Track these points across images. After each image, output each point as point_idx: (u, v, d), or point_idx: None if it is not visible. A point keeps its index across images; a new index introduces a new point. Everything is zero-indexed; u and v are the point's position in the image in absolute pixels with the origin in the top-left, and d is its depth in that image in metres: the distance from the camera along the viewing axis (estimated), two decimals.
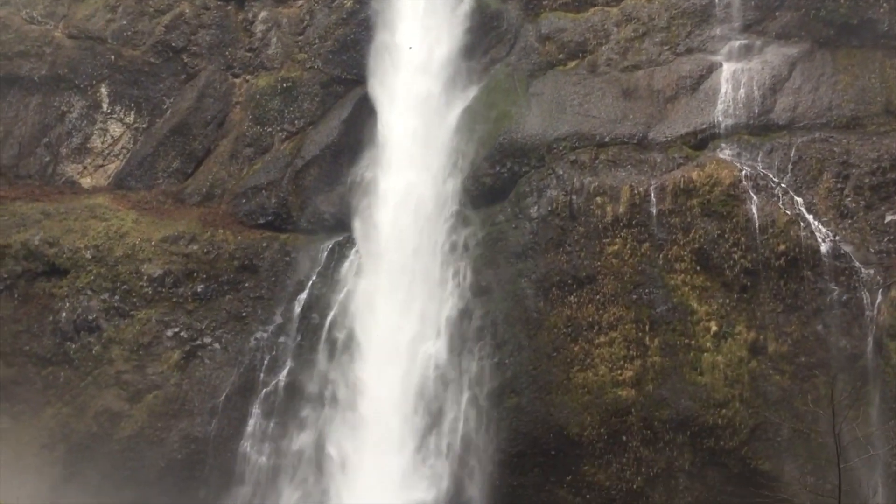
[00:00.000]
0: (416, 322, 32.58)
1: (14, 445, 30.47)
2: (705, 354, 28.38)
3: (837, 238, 27.41)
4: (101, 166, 39.18)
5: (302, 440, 32.02)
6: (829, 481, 19.23)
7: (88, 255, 35.28)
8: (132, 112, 39.61)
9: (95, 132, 39.32)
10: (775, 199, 28.70)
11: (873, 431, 22.60)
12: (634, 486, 28.46)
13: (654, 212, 30.22)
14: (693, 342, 28.52)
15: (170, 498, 31.69)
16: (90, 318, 34.27)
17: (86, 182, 38.73)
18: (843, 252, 26.90)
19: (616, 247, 30.46)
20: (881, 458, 22.06)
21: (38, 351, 33.78)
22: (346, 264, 34.75)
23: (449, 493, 30.27)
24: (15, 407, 32.69)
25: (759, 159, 29.99)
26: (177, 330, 34.26)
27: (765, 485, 25.12)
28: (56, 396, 33.21)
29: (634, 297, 29.86)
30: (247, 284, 35.12)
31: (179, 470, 32.26)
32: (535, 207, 32.38)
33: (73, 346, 34.03)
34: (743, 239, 28.47)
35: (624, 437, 28.87)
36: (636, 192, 30.65)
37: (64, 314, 34.21)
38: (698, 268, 29.26)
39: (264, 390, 33.25)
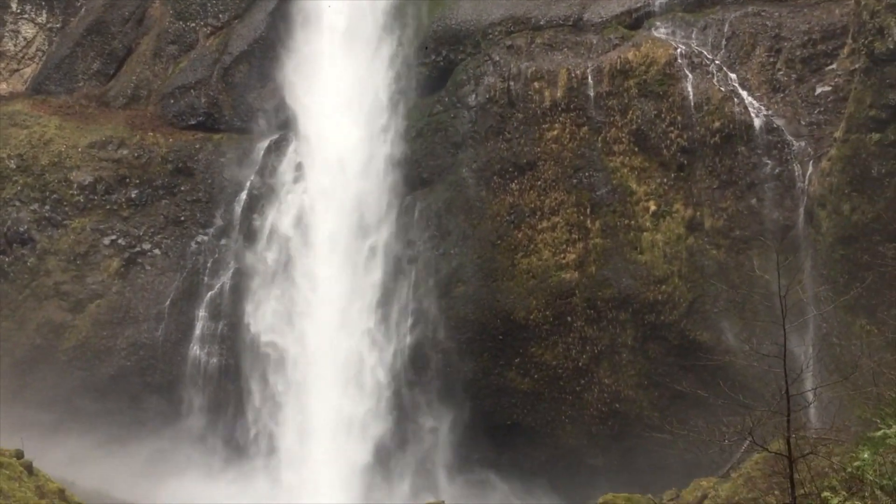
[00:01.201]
0: (360, 216, 32.43)
1: None
2: (645, 234, 28.97)
3: (770, 112, 27.81)
4: (17, 70, 37.21)
5: (251, 334, 32.10)
6: (764, 345, 20.05)
7: (13, 165, 33.91)
8: (44, 11, 37.45)
9: (6, 34, 37.16)
10: (710, 76, 28.85)
11: (806, 295, 23.59)
12: (580, 364, 29.46)
13: (592, 94, 30.17)
14: (633, 222, 29.06)
15: (124, 405, 31.73)
16: (21, 229, 33.24)
17: (2, 88, 36.82)
18: (775, 126, 27.33)
19: (555, 132, 30.48)
20: (812, 321, 23.10)
21: None
22: (285, 162, 34.14)
23: (399, 380, 30.91)
24: None
25: (693, 36, 29.97)
26: (114, 237, 33.55)
27: (703, 355, 26.19)
28: None
29: (575, 181, 30.13)
30: (183, 188, 34.35)
31: (130, 377, 32.21)
32: (473, 96, 32.04)
33: (7, 259, 33.12)
34: (679, 118, 28.71)
35: (569, 318, 29.67)
36: (573, 75, 30.48)
37: None
38: (636, 149, 29.52)
39: (209, 293, 33.04)
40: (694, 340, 27.89)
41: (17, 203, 33.52)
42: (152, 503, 25.81)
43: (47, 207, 33.59)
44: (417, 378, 30.83)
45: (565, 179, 30.30)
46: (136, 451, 30.07)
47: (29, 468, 14.38)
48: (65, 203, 33.69)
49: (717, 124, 28.12)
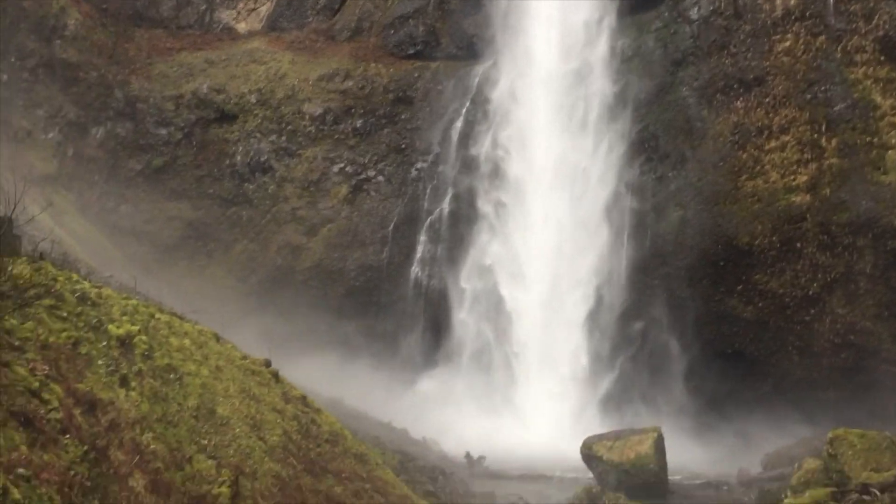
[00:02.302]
0: (571, 140, 32.08)
1: (212, 279, 33.53)
2: (889, 152, 26.44)
3: None
4: (254, 10, 39.95)
5: (471, 259, 33.11)
6: None
7: (253, 100, 36.81)
8: None
9: None
10: None
11: None
12: (810, 293, 27.74)
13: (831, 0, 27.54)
14: (876, 140, 26.56)
15: (351, 322, 34.07)
16: (262, 159, 36.25)
17: (241, 27, 39.78)
18: None
19: (787, 43, 28.23)
20: None
21: (220, 193, 36.37)
22: (499, 88, 34.35)
23: (617, 301, 30.67)
24: (208, 245, 35.74)
25: None
26: (342, 165, 35.66)
27: None
28: (242, 234, 35.96)
29: (809, 96, 27.90)
30: (403, 116, 35.67)
31: (358, 296, 34.46)
32: (696, 9, 30.34)
33: (251, 186, 36.32)
34: None
35: (798, 244, 27.90)
36: None
37: (238, 157, 36.39)
38: (882, 58, 26.75)
39: (429, 219, 34.34)
40: None
41: (258, 135, 36.47)
42: (379, 414, 27.64)
43: (283, 138, 36.26)
44: (635, 302, 30.43)
45: (797, 95, 28.13)
46: (367, 364, 32.20)
47: (276, 376, 15.92)
48: (298, 134, 36.20)
49: None
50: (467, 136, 34.40)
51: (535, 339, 31.52)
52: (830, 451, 18.45)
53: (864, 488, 16.06)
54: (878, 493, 15.50)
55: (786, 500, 17.97)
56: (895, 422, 22.16)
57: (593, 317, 31.00)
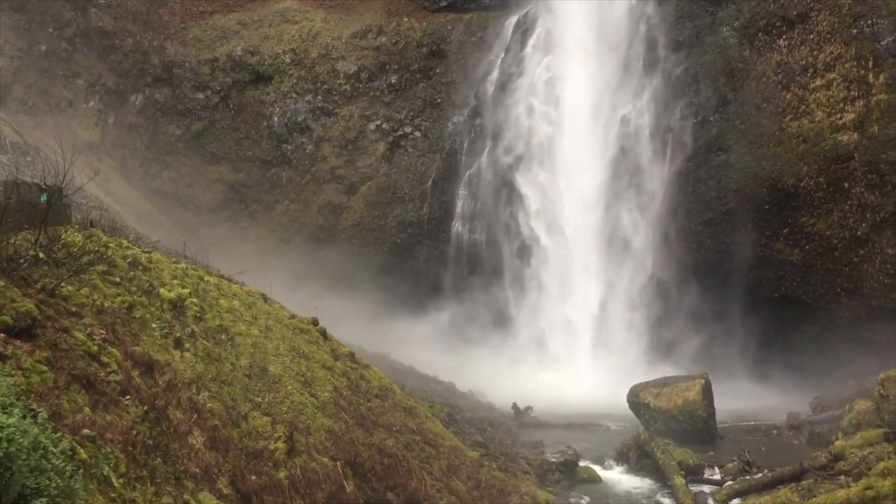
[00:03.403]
0: (609, 87, 31.62)
1: (255, 241, 33.99)
2: None
3: None
4: None
5: (507, 214, 33.07)
6: None
7: (287, 60, 36.81)
8: None
9: None
10: None
11: None
12: (859, 233, 27.18)
13: None
14: None
15: (395, 278, 34.32)
16: (299, 119, 36.35)
17: None
18: None
19: None
20: None
21: (259, 155, 36.65)
22: (533, 38, 33.87)
23: (656, 251, 30.46)
24: (250, 207, 36.15)
25: None
26: (378, 122, 35.62)
27: None
28: (282, 195, 36.29)
29: (855, 31, 27.01)
30: (437, 70, 35.41)
31: (400, 252, 34.69)
32: None
33: (289, 147, 36.51)
34: None
35: (846, 184, 27.29)
36: None
37: (276, 118, 36.54)
38: None
39: (467, 172, 34.24)
40: None
41: (294, 95, 36.52)
42: (426, 369, 27.96)
43: (319, 97, 36.27)
44: (673, 250, 30.19)
45: (843, 30, 27.27)
46: (411, 319, 32.55)
47: (324, 334, 16.18)
48: (334, 92, 36.17)
49: None
50: (504, 87, 34.06)
51: (577, 288, 31.51)
52: (882, 392, 18.26)
53: None
54: None
55: (837, 442, 17.88)
56: None
57: (636, 265, 30.84)
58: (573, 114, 32.12)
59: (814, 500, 15.24)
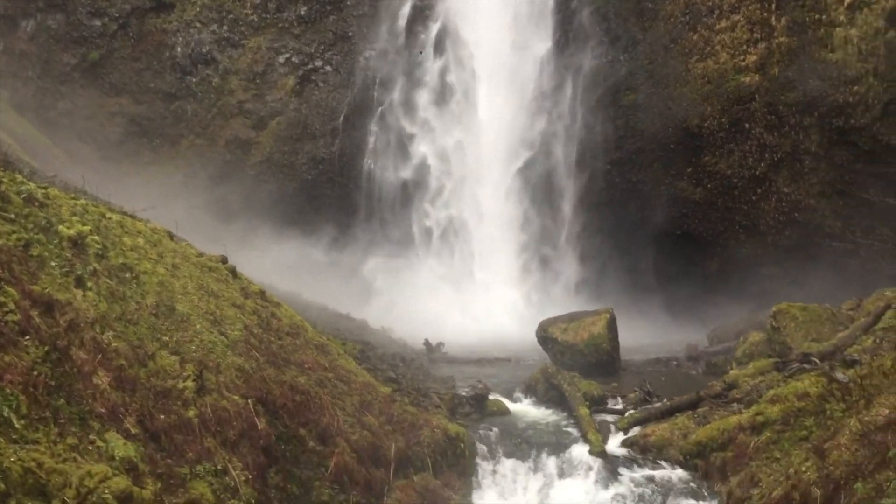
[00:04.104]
0: (518, 22, 31.58)
1: (160, 177, 32.83)
2: (837, 30, 26.44)
3: None
4: None
5: (421, 151, 32.98)
6: None
7: None
8: None
9: None
10: None
11: None
12: (757, 172, 28.30)
13: None
14: (824, 17, 26.52)
15: (305, 216, 33.92)
16: (204, 50, 34.98)
17: None
18: None
19: None
20: None
21: (162, 87, 35.17)
22: None
23: (563, 189, 31.00)
24: (153, 142, 34.82)
25: None
26: (288, 55, 34.63)
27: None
28: (188, 129, 35.06)
29: None
30: (349, 2, 34.51)
31: (311, 189, 34.19)
32: None
33: (194, 79, 35.17)
34: None
35: (747, 125, 28.24)
36: None
37: (179, 49, 35.02)
38: None
39: (380, 108, 33.83)
40: (887, 145, 25.91)
41: (198, 24, 35.04)
42: (337, 306, 27.98)
43: (225, 28, 34.92)
44: (585, 189, 30.79)
45: None
46: (323, 257, 32.38)
47: (233, 272, 15.91)
48: (240, 23, 34.86)
49: None
50: (415, 22, 33.56)
51: (487, 226, 31.90)
52: (774, 324, 19.26)
53: (805, 357, 16.86)
54: (817, 361, 16.31)
55: (731, 372, 18.83)
56: (834, 296, 23.11)
57: (543, 202, 31.32)
58: (482, 53, 31.99)
59: (708, 425, 16.07)
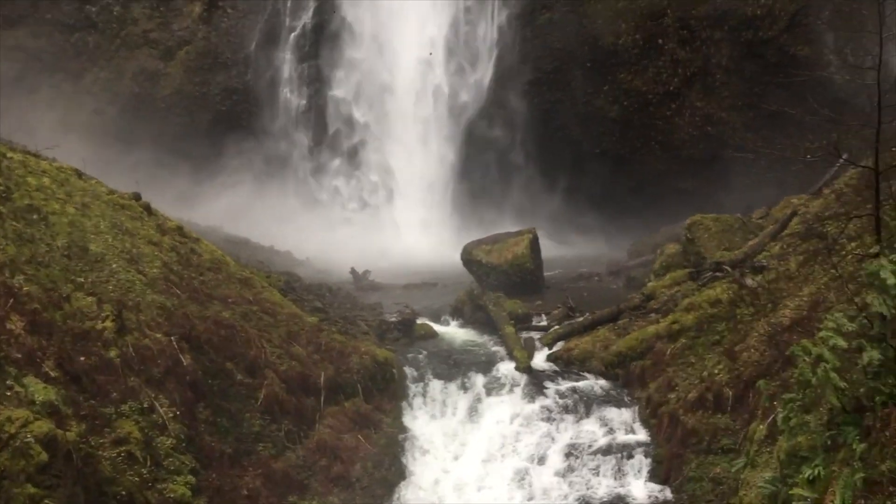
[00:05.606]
0: None
1: (64, 113, 31.33)
2: None
3: None
4: None
5: (338, 77, 32.34)
6: (867, 61, 18.96)
7: None
8: None
9: None
10: None
11: None
12: (671, 88, 28.74)
13: None
14: None
15: (223, 148, 33.04)
16: None
17: None
18: None
19: None
20: None
21: (60, 18, 33.26)
22: None
23: (484, 112, 30.93)
24: (54, 77, 33.09)
25: None
26: None
27: (801, 71, 25.09)
28: (90, 62, 33.40)
29: None
30: None
31: (226, 121, 33.21)
32: None
33: (93, 8, 33.37)
34: None
35: (660, 41, 28.52)
36: None
37: None
38: None
39: (292, 35, 32.87)
40: (794, 56, 26.64)
41: None
42: (259, 238, 27.66)
43: None
44: (502, 110, 30.77)
45: None
46: (247, 190, 31.77)
47: (147, 209, 15.52)
48: None
49: None
50: None
51: (404, 151, 31.74)
52: (688, 235, 19.91)
53: (717, 266, 17.55)
54: (729, 269, 16.99)
55: (649, 284, 19.48)
56: (747, 205, 23.96)
57: (458, 125, 31.22)
58: None
59: (628, 336, 16.71)
